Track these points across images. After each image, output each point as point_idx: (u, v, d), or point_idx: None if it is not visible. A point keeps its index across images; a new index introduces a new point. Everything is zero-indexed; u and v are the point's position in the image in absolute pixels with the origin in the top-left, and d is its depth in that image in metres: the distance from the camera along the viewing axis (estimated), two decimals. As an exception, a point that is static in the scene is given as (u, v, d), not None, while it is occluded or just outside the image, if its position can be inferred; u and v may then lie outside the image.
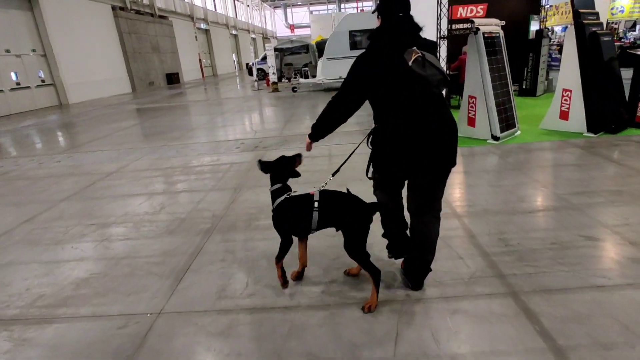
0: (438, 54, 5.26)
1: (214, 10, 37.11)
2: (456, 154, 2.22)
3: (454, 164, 2.23)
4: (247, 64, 43.74)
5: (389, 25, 2.15)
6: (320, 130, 2.42)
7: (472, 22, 5.66)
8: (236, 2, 44.08)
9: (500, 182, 4.31)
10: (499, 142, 5.75)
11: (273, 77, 15.42)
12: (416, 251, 2.43)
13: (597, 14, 6.10)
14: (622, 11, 14.96)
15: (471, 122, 6.07)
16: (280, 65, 19.33)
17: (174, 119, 10.49)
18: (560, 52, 10.44)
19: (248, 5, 47.88)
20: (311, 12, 53.76)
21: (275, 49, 18.04)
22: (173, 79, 26.59)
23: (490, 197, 3.90)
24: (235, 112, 10.99)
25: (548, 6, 9.72)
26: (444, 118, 2.14)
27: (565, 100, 5.98)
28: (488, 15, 8.82)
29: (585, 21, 5.63)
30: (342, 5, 52.33)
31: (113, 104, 15.98)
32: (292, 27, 51.07)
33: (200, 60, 31.88)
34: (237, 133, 8.14)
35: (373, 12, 2.29)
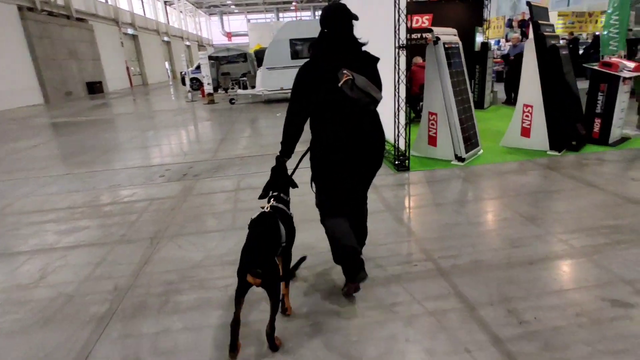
0: (396, 64, 4.53)
1: (142, 15, 34.54)
2: (379, 160, 2.45)
3: (379, 166, 2.48)
4: (181, 73, 41.41)
5: (328, 35, 2.25)
6: (286, 145, 2.39)
7: (431, 30, 5.05)
8: (168, 7, 41.60)
9: (481, 218, 3.62)
10: (464, 164, 5.16)
11: (208, 88, 14.10)
12: (361, 234, 2.67)
13: (552, 25, 5.80)
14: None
15: (432, 141, 5.44)
16: (217, 75, 18.00)
17: (88, 137, 8.87)
18: (506, 63, 10.42)
19: (181, 12, 45.47)
20: (249, 21, 52.47)
21: (211, 57, 16.71)
22: (95, 88, 23.96)
23: (476, 240, 3.17)
24: (164, 128, 9.61)
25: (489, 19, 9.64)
26: (370, 132, 2.33)
27: (527, 116, 5.57)
28: (433, 25, 8.48)
29: (545, 33, 5.25)
30: (280, 15, 51.74)
31: (17, 117, 13.64)
32: (229, 35, 49.30)
33: (127, 68, 29.29)
34: (163, 155, 6.86)
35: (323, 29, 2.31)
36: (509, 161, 5.23)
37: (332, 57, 2.21)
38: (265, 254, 2.00)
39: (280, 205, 2.30)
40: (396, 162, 5.11)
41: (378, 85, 2.30)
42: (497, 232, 3.32)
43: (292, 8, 49.46)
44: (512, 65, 9.80)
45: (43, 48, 19.94)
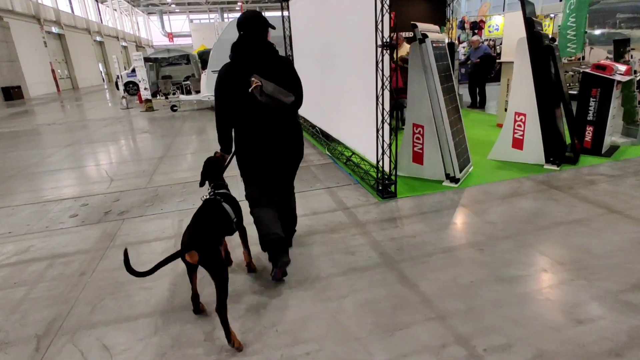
0: (379, 67, 3.58)
1: (70, 12, 31.14)
2: (302, 150, 2.75)
3: (301, 157, 2.78)
4: (116, 76, 37.87)
5: (244, 39, 2.41)
6: (223, 142, 2.60)
7: (415, 26, 4.14)
8: (100, 4, 38.07)
9: (510, 271, 2.71)
10: (457, 185, 4.32)
11: (145, 93, 12.38)
12: (287, 227, 2.87)
13: (541, 24, 5.15)
14: (497, 29, 15.77)
15: (418, 158, 4.55)
16: (157, 79, 16.18)
17: (-14, 158, 7.06)
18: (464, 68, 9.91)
19: (115, 10, 41.92)
20: (191, 21, 49.73)
21: (148, 59, 14.92)
22: (13, 93, 20.91)
23: (520, 312, 2.25)
24: (89, 144, 7.96)
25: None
26: (283, 132, 2.56)
27: (519, 126, 4.86)
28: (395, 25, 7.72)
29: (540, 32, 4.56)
30: (225, 15, 49.55)
31: None
32: (170, 36, 46.24)
33: (53, 70, 26.10)
34: (82, 183, 5.38)
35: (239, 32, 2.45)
36: (505, 179, 4.46)
37: (248, 62, 2.38)
38: (202, 236, 2.11)
39: (221, 190, 2.50)
40: (379, 188, 4.15)
41: (294, 87, 2.47)
42: (542, 295, 2.43)
43: (237, 8, 47.52)
44: (475, 68, 9.32)
45: (-58, 48, 16.88)
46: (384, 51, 3.64)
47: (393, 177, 4.07)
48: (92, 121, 11.22)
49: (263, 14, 2.62)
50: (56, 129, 10.17)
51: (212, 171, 2.58)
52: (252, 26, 2.40)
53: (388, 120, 3.85)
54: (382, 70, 3.69)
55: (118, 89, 18.86)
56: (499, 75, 11.78)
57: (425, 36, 4.06)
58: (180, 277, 2.82)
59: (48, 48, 26.02)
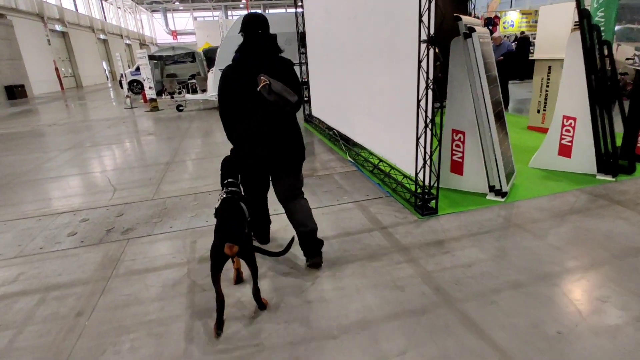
0: (422, 66, 3.06)
1: (74, 10, 30.64)
2: (303, 150, 2.69)
3: (303, 157, 2.71)
4: (120, 75, 37.29)
5: (248, 40, 2.43)
6: (230, 139, 2.64)
7: (459, 18, 3.61)
8: (104, 2, 37.56)
9: (603, 320, 2.18)
10: (504, 200, 3.79)
11: (150, 92, 11.87)
12: (302, 227, 2.72)
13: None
14: (512, 25, 15.16)
15: (457, 167, 4.02)
16: (161, 77, 15.67)
17: (-18, 163, 6.58)
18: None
19: (119, 7, 41.42)
20: (195, 18, 49.13)
21: (153, 57, 14.40)
22: (16, 92, 20.45)
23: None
24: (91, 147, 7.46)
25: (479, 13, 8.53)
26: (286, 130, 2.57)
27: (567, 131, 4.32)
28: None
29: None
30: (229, 12, 48.97)
31: None
32: (174, 34, 45.68)
33: (56, 69, 25.63)
34: (82, 193, 4.87)
35: (239, 33, 2.50)
36: (557, 192, 3.93)
37: (251, 62, 2.41)
38: (239, 228, 2.26)
39: (236, 189, 2.53)
40: (418, 203, 3.62)
41: (294, 87, 2.41)
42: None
43: (241, 5, 47.00)
44: (499, 66, 8.75)
45: (-58, 45, 16.42)
46: (428, 47, 3.11)
47: (434, 192, 3.55)
48: (95, 121, 10.72)
49: (267, 11, 2.39)
50: (57, 130, 9.68)
51: (232, 170, 2.58)
52: (254, 28, 2.43)
53: (430, 127, 3.32)
54: (427, 71, 3.15)
55: (122, 87, 18.37)
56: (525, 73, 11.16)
57: (471, 30, 3.53)
58: (198, 319, 2.31)
59: (52, 46, 25.56)
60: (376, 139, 4.69)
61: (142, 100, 14.67)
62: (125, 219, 3.88)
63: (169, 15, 50.61)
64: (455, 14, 3.64)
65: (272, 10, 43.69)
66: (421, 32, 3.14)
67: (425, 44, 3.13)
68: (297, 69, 9.29)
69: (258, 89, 2.26)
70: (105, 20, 37.37)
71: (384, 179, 4.44)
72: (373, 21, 4.27)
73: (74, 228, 3.73)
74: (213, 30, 31.20)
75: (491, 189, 3.89)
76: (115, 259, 3.11)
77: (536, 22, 15.40)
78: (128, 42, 42.47)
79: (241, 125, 2.50)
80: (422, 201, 3.56)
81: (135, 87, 18.39)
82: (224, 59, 10.37)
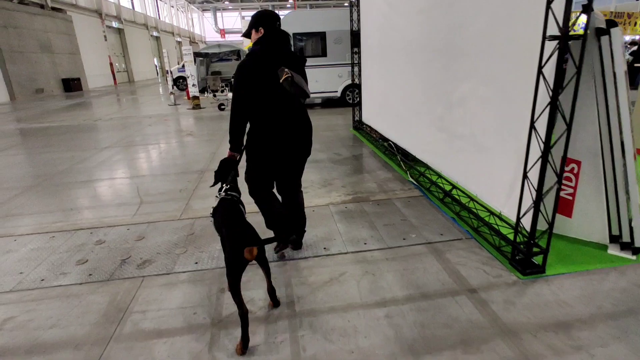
0: (544, 73, 2.10)
1: (130, 7, 31.51)
2: (310, 147, 2.70)
3: (308, 154, 2.71)
4: (167, 71, 38.08)
5: (266, 34, 2.44)
6: (234, 138, 2.50)
7: (591, 9, 2.61)
8: (159, 1, 38.53)
9: None
10: (636, 259, 2.75)
11: (193, 90, 11.46)
12: (294, 220, 2.82)
13: None
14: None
15: (564, 207, 3.01)
16: (206, 74, 15.38)
17: (11, 160, 6.26)
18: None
19: (172, 6, 42.41)
20: (243, 18, 49.53)
21: (199, 54, 14.09)
22: (72, 85, 21.07)
23: None
24: (126, 147, 7.01)
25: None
26: (303, 122, 2.59)
27: None
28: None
29: None
30: (277, 12, 48.87)
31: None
32: (222, 32, 46.20)
33: (111, 64, 26.35)
34: (105, 204, 4.27)
35: (250, 29, 2.52)
36: None
37: (270, 56, 2.39)
38: (253, 230, 2.09)
39: (234, 193, 2.38)
40: (517, 256, 2.67)
41: (306, 80, 2.54)
42: None
43: (288, 5, 46.79)
44: None
45: (7, 39, 17.04)
46: (560, 47, 2.15)
47: (542, 244, 2.58)
48: (139, 118, 10.43)
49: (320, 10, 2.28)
50: (101, 125, 9.43)
51: (228, 171, 2.48)
52: (273, 22, 2.46)
53: (547, 156, 2.36)
54: (555, 77, 2.20)
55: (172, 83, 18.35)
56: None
57: (611, 25, 2.52)
58: None
59: (107, 42, 26.29)
60: (450, 159, 3.74)
61: (186, 97, 14.41)
62: (145, 245, 3.21)
63: (218, 14, 51.39)
64: (583, 4, 2.65)
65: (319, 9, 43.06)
66: (548, 24, 2.19)
67: (553, 42, 2.17)
68: (346, 70, 9.24)
69: (281, 80, 2.30)
70: (159, 18, 38.31)
71: (460, 213, 3.49)
72: (458, 13, 3.33)
73: (86, 253, 3.10)
74: (260, 29, 31.03)
75: (613, 239, 2.86)
76: (123, 307, 2.41)
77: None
78: (179, 39, 43.43)
79: (258, 115, 2.47)
80: (525, 255, 2.60)
81: (181, 83, 18.31)
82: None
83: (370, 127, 6.61)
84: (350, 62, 9.72)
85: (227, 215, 2.15)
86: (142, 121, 9.86)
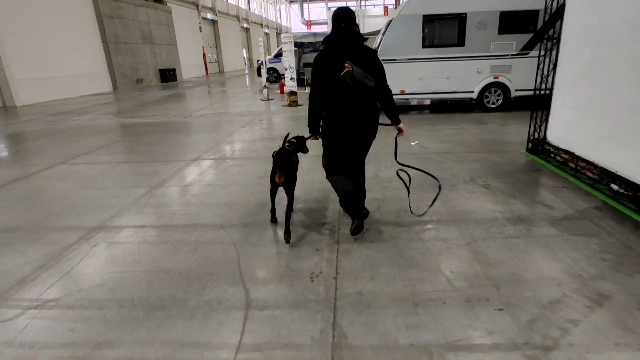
0: None
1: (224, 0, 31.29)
2: (375, 131, 2.81)
3: (373, 136, 2.84)
4: (257, 61, 37.67)
5: (336, 32, 2.62)
6: (312, 124, 2.85)
7: None
8: (250, -7, 38.16)
9: None
10: None
11: (291, 84, 9.72)
12: (359, 190, 2.97)
13: None
14: None
15: None
16: (298, 66, 13.69)
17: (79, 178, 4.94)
18: None
19: (262, -2, 41.94)
20: (329, 9, 47.65)
21: (295, 44, 12.34)
22: (168, 75, 20.96)
23: None
24: (218, 160, 5.37)
25: None
26: (365, 110, 2.70)
27: None
28: None
29: None
30: (363, 3, 46.13)
31: (67, 110, 10.48)
32: (309, 23, 44.78)
33: (204, 55, 26.18)
34: (147, 244, 2.53)
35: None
36: None
37: (339, 51, 2.60)
38: (288, 164, 2.87)
39: (291, 146, 3.12)
40: None
41: (378, 72, 2.63)
42: None
43: (375, -6, 43.73)
44: None
45: (114, 29, 17.00)
46: None
47: None
48: (230, 116, 8.96)
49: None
50: (191, 124, 8.09)
51: (294, 141, 3.21)
52: (344, 20, 2.59)
53: None
54: None
55: (259, 75, 17.08)
56: None
57: None
58: None
59: (202, 33, 26.12)
60: None
61: (279, 91, 12.83)
62: None
63: (305, 5, 50.13)
64: None
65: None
66: None
67: None
68: (487, 64, 6.84)
69: (342, 73, 2.51)
70: (249, 10, 37.96)
71: None
72: None
73: None
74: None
75: None
76: None
77: None
78: (266, 31, 42.97)
79: (328, 103, 2.70)
80: None
81: (271, 75, 16.92)
82: (388, 47, 7.47)
83: (569, 153, 4.13)
84: (492, 53, 7.15)
85: (279, 155, 2.86)
86: (234, 120, 8.34)
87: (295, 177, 3.08)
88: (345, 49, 2.58)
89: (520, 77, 7.16)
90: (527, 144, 4.86)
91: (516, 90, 7.32)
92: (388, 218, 3.25)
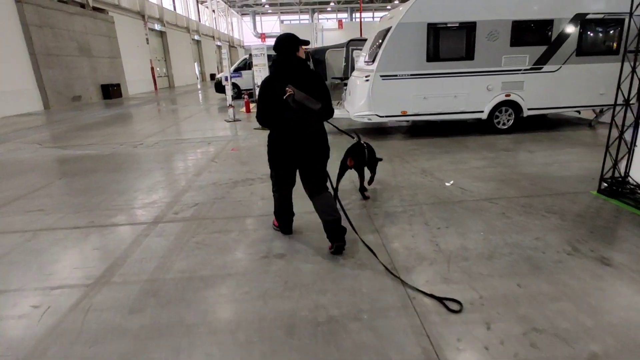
0: None
1: (172, 10, 28.87)
2: (326, 151, 2.84)
3: (326, 158, 2.87)
4: (212, 75, 35.30)
5: (279, 59, 2.70)
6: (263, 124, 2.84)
7: None
8: (200, 4, 35.89)
9: None
10: None
11: (262, 104, 8.14)
12: (327, 216, 2.78)
13: None
14: None
15: None
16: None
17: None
18: None
19: (214, 10, 39.74)
20: (282, 22, 46.52)
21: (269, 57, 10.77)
22: (112, 92, 18.37)
23: None
24: (170, 206, 3.70)
25: None
26: (307, 132, 2.71)
27: None
28: None
29: None
30: (315, 16, 45.55)
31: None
32: (262, 36, 43.13)
33: (152, 68, 23.67)
34: None
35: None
36: None
37: (284, 75, 2.65)
38: (360, 152, 3.78)
39: (365, 145, 3.89)
40: None
41: (323, 97, 2.68)
42: None
43: (329, 9, 43.40)
44: None
45: (43, 40, 14.36)
46: None
47: None
48: (191, 145, 7.21)
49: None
50: (141, 157, 6.26)
51: (359, 151, 3.82)
52: (286, 47, 2.65)
53: None
54: None
55: (219, 91, 15.22)
56: None
57: None
58: None
59: (149, 45, 23.63)
60: None
61: (244, 110, 11.17)
62: None
63: (257, 18, 48.55)
64: None
65: (379, 13, 39.37)
66: None
67: None
68: (499, 80, 6.32)
69: (284, 97, 2.54)
70: (200, 21, 35.69)
71: None
72: None
73: None
74: (301, 33, 27.81)
75: None
76: None
77: None
78: (218, 43, 40.78)
79: (273, 123, 2.72)
80: None
81: (232, 91, 15.17)
82: (388, 61, 6.20)
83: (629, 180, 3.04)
84: (504, 68, 6.16)
85: (352, 147, 3.76)
86: (199, 149, 6.63)
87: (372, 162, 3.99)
88: (290, 72, 2.65)
89: (533, 94, 6.24)
90: (600, 184, 3.76)
91: (529, 109, 6.38)
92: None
